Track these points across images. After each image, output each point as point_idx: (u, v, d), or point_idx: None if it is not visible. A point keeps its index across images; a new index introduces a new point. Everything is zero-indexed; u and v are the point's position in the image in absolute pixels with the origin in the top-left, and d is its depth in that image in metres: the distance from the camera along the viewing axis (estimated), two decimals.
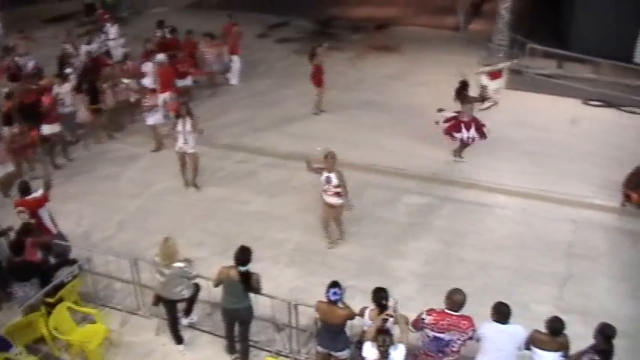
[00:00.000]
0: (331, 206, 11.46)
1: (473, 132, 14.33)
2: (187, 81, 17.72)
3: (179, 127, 13.21)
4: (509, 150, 15.02)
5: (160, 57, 16.78)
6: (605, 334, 7.62)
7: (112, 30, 20.50)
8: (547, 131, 16.46)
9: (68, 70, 16.00)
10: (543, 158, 15.12)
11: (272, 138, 16.14)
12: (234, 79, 19.76)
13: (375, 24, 25.74)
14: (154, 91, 15.49)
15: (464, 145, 14.63)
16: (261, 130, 16.56)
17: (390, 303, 7.86)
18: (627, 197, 13.08)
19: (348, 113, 17.52)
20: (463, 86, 14.69)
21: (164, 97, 15.94)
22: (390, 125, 16.66)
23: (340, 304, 8.15)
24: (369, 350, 7.59)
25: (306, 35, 24.60)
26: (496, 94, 16.83)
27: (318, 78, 17.18)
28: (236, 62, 19.62)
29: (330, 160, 10.99)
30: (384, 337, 7.50)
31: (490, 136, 14.48)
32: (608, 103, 18.20)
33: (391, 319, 7.80)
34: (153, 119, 15.24)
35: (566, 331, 7.87)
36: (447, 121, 14.55)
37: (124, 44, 19.71)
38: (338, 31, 25.29)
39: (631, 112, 17.80)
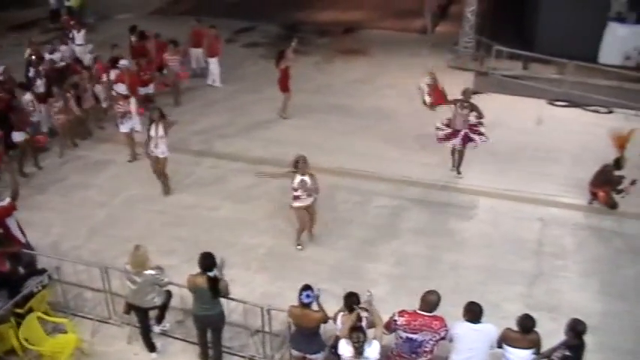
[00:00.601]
0: (306, 208, 11.52)
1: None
2: (149, 89, 17.58)
3: (152, 132, 13.14)
4: (476, 151, 15.13)
5: (124, 62, 16.67)
6: (576, 330, 7.71)
7: (79, 36, 20.31)
8: (513, 131, 16.65)
9: (36, 79, 15.87)
10: (510, 158, 15.31)
11: (241, 143, 16.10)
12: (217, 81, 19.81)
13: (342, 28, 25.88)
14: (126, 97, 15.30)
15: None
16: (230, 136, 16.51)
17: (365, 297, 7.91)
18: (594, 195, 13.27)
19: (316, 117, 17.55)
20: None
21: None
22: (359, 129, 16.72)
23: (314, 307, 8.15)
24: (344, 348, 7.63)
25: (273, 40, 24.61)
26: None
27: (284, 83, 17.15)
28: (214, 64, 19.63)
29: (302, 164, 11.05)
30: (358, 334, 7.52)
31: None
32: (573, 103, 18.48)
33: (365, 319, 7.85)
34: (126, 126, 15.08)
35: (537, 329, 7.96)
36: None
37: (91, 50, 19.55)
38: (305, 35, 25.27)
39: (595, 112, 18.11)
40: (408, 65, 21.09)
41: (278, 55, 17.18)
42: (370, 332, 7.83)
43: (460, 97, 13.89)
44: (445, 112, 14.21)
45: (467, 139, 13.94)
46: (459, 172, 14.55)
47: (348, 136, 16.31)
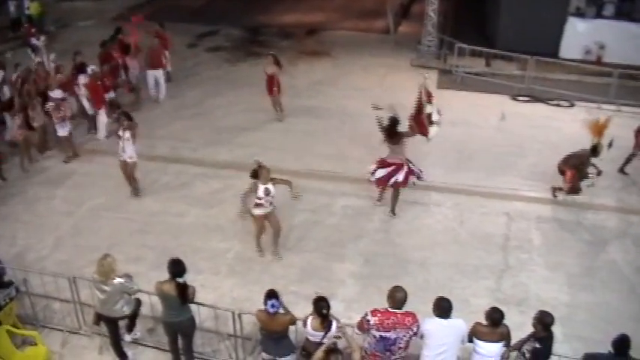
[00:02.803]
0: (267, 216, 11.40)
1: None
2: (111, 94, 17.33)
3: (120, 135, 13.13)
4: (441, 147, 15.23)
5: (91, 69, 16.59)
6: (544, 322, 7.81)
7: (39, 44, 20.06)
8: (477, 127, 16.85)
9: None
10: (474, 154, 15.48)
11: (207, 148, 16.01)
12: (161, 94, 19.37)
13: (305, 29, 25.90)
14: (64, 100, 15.28)
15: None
16: (195, 141, 16.41)
17: (333, 329, 7.96)
18: (562, 173, 13.30)
19: (281, 120, 17.55)
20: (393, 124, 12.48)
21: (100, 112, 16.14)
22: (324, 130, 16.77)
23: (281, 310, 8.15)
24: None
25: (236, 43, 24.56)
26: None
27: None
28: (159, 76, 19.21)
29: (265, 172, 10.85)
30: (336, 356, 7.59)
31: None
32: (535, 98, 18.75)
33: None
34: (64, 130, 15.10)
35: (505, 322, 8.05)
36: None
37: (54, 59, 19.29)
38: (267, 37, 25.32)
39: (557, 106, 18.39)
40: (371, 66, 21.21)
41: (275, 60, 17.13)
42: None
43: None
44: None
45: (407, 177, 12.70)
46: (394, 214, 13.22)
47: (313, 138, 16.34)
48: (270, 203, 11.18)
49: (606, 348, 7.77)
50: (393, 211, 13.15)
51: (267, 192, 10.98)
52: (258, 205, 11.14)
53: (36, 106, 15.08)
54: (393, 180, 12.65)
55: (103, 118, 16.39)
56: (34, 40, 20.02)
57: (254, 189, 11.01)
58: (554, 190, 13.61)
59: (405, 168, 12.62)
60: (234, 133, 16.78)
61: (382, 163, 12.72)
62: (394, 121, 12.38)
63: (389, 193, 13.19)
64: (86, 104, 16.38)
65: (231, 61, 22.50)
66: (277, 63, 17.08)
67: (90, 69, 16.49)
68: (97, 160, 15.41)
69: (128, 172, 13.58)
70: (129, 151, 13.24)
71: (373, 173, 12.81)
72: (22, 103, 15.02)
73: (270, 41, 24.72)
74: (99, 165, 15.19)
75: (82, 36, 21.89)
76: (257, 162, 10.94)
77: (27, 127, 14.87)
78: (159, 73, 18.83)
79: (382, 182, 12.85)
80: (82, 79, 16.24)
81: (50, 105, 15.07)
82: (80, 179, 14.77)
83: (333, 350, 7.68)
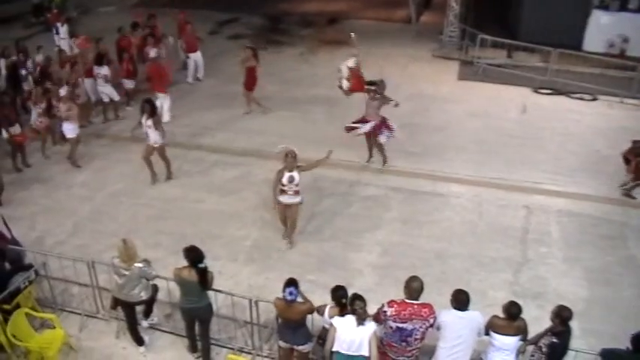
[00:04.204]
0: (288, 206, 11.39)
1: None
2: (133, 83, 17.54)
3: (142, 122, 13.26)
4: (461, 139, 15.19)
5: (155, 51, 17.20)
6: (562, 316, 7.76)
7: (62, 30, 20.20)
8: (498, 120, 16.73)
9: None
10: (495, 146, 15.36)
11: (226, 135, 16.05)
12: (190, 77, 19.67)
13: (326, 18, 25.83)
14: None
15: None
16: (214, 128, 16.46)
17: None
18: (626, 161, 13.19)
19: (301, 109, 17.55)
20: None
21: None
22: (344, 119, 16.61)
23: (299, 299, 8.15)
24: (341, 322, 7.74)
25: (257, 31, 24.55)
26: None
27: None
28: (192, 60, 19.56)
29: (290, 159, 10.85)
30: (359, 302, 7.69)
31: (443, 126, 14.61)
32: (557, 91, 18.57)
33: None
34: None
35: (523, 315, 8.00)
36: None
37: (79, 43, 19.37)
38: (288, 26, 25.28)
39: (580, 99, 18.19)
40: (392, 55, 21.09)
41: (253, 53, 16.92)
42: None
43: (374, 87, 13.73)
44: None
45: (376, 130, 13.84)
46: (369, 159, 14.61)
47: (332, 126, 16.26)
48: (296, 193, 11.15)
49: (623, 344, 7.71)
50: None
51: (291, 179, 10.97)
52: (282, 192, 11.15)
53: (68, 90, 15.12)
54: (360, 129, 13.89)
55: (167, 102, 16.58)
56: (59, 26, 20.18)
57: (280, 176, 11.03)
58: (626, 190, 13.37)
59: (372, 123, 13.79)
60: (253, 120, 16.78)
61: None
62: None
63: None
64: (110, 91, 16.45)
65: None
66: (255, 56, 16.88)
67: (154, 52, 17.01)
68: (118, 145, 15.50)
69: (160, 154, 13.67)
70: (153, 136, 13.31)
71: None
72: (42, 91, 15.06)
73: (291, 30, 24.70)
74: (119, 151, 15.30)
75: (104, 22, 21.94)
76: (285, 149, 10.95)
77: (48, 116, 14.95)
78: (197, 56, 19.37)
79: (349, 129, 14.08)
80: (104, 71, 16.28)
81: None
82: (100, 165, 14.86)
83: (357, 297, 7.77)
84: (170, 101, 16.63)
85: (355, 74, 13.84)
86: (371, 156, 14.57)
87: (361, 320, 7.61)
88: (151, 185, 13.80)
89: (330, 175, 13.79)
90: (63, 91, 14.80)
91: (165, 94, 16.53)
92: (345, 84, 14.01)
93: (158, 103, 15.47)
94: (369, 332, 7.67)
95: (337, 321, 7.74)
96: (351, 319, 7.64)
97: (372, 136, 14.12)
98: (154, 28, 19.27)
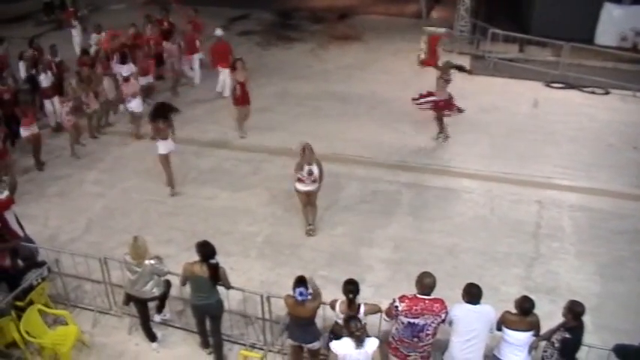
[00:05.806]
0: (308, 194, 11.56)
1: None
2: (149, 78, 17.43)
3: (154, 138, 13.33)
4: (473, 134, 15.14)
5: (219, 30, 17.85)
6: (575, 311, 7.71)
7: (76, 29, 20.34)
8: (510, 114, 16.66)
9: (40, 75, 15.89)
10: (507, 141, 15.30)
11: (236, 132, 16.01)
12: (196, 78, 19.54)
13: (336, 14, 25.80)
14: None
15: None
16: (225, 125, 16.45)
17: (362, 312, 7.96)
18: None
19: (312, 104, 17.52)
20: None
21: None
22: (355, 114, 16.71)
23: (309, 297, 8.12)
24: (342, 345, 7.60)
25: (268, 27, 24.54)
26: None
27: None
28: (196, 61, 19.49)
29: (308, 153, 11.08)
30: (355, 323, 7.50)
31: (454, 121, 14.58)
32: (569, 85, 18.45)
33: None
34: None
35: (535, 311, 7.96)
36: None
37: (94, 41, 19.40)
38: (299, 22, 25.27)
39: (592, 93, 18.08)
40: (402, 50, 21.05)
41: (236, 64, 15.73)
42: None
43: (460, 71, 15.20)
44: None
45: (441, 107, 14.74)
46: (437, 137, 15.33)
47: (344, 122, 16.28)
48: (314, 181, 11.36)
49: (636, 339, 7.67)
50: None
51: (310, 172, 11.22)
52: (299, 181, 11.37)
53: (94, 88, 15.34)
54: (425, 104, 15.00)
55: (228, 78, 17.27)
56: (74, 23, 20.28)
57: (298, 170, 11.24)
58: None
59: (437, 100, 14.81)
60: (264, 116, 16.76)
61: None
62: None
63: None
64: (136, 105, 16.36)
65: (262, 45, 22.53)
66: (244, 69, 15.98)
67: (219, 31, 17.80)
68: (129, 142, 15.58)
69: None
70: (166, 146, 13.13)
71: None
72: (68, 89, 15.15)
73: (302, 25, 24.68)
74: (131, 148, 15.36)
75: (114, 20, 21.95)
76: (302, 144, 11.15)
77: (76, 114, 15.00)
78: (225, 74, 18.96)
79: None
80: (125, 71, 16.18)
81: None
82: (112, 161, 14.92)
83: (351, 317, 7.63)
84: (230, 78, 16.86)
85: (433, 50, 15.99)
86: (440, 132, 15.24)
87: (359, 342, 7.43)
88: (165, 184, 13.77)
89: (341, 170, 13.78)
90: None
91: (226, 70, 17.12)
92: (423, 56, 16.54)
93: (221, 77, 17.52)
94: (371, 352, 7.57)
95: (336, 345, 7.62)
96: (348, 342, 7.47)
97: (438, 111, 14.91)
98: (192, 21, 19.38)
